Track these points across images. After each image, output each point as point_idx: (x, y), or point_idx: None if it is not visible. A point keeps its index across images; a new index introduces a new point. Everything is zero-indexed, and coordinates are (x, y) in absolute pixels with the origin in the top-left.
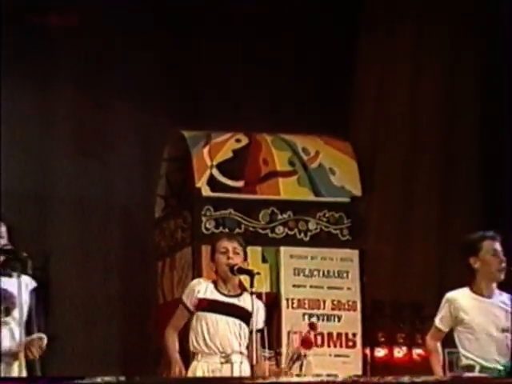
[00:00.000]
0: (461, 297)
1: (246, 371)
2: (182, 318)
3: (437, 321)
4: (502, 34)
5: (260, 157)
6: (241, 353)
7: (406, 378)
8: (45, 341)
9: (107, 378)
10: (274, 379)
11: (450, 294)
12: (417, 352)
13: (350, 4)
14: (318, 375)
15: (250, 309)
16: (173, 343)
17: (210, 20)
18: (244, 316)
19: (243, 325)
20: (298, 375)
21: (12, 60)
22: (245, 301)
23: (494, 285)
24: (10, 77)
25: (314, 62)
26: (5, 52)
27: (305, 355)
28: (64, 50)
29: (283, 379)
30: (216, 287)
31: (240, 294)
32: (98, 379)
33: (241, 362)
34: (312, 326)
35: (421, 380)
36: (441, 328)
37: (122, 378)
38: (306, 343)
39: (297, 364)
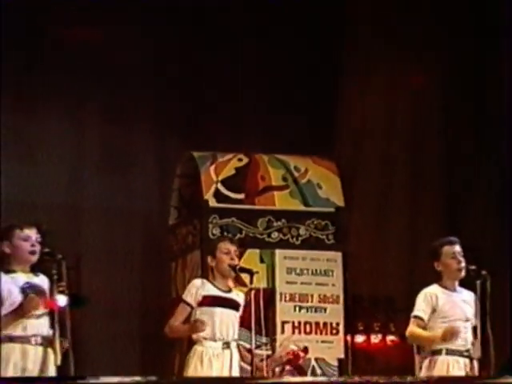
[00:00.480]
0: (435, 291)
1: (237, 357)
2: (183, 314)
3: (418, 312)
4: (468, 57)
5: (258, 173)
6: (235, 340)
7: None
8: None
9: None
10: (275, 379)
11: (427, 289)
12: (390, 338)
13: (334, 39)
14: None
15: (239, 301)
16: (178, 326)
17: (213, 54)
18: (238, 307)
19: (237, 314)
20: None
21: (48, 88)
22: (237, 295)
23: (457, 282)
24: (47, 102)
25: (305, 95)
26: (42, 80)
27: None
28: (92, 79)
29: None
30: (213, 284)
31: (231, 290)
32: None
33: (236, 348)
34: (305, 350)
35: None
36: (422, 317)
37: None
38: (295, 359)
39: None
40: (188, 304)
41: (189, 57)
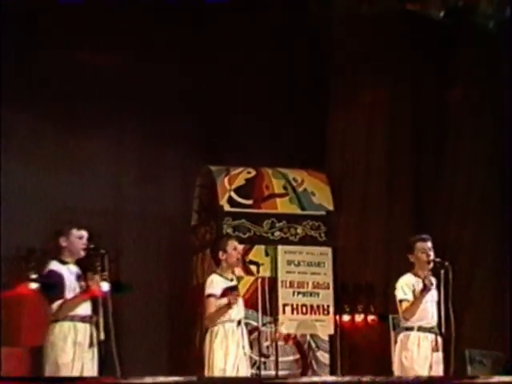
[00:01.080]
0: (411, 280)
1: (246, 332)
2: (214, 304)
3: (406, 296)
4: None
5: (263, 184)
6: (241, 321)
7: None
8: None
9: (177, 378)
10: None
11: (405, 278)
12: (371, 318)
13: (323, 75)
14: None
15: (237, 285)
16: (214, 313)
17: (224, 91)
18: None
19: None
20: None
21: (94, 114)
22: (236, 281)
23: (427, 271)
24: (93, 126)
25: (302, 121)
26: (89, 107)
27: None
28: (130, 106)
29: (298, 379)
30: (222, 277)
31: (233, 279)
32: (169, 379)
33: (246, 325)
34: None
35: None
36: (409, 299)
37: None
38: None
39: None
40: (214, 295)
41: (207, 91)
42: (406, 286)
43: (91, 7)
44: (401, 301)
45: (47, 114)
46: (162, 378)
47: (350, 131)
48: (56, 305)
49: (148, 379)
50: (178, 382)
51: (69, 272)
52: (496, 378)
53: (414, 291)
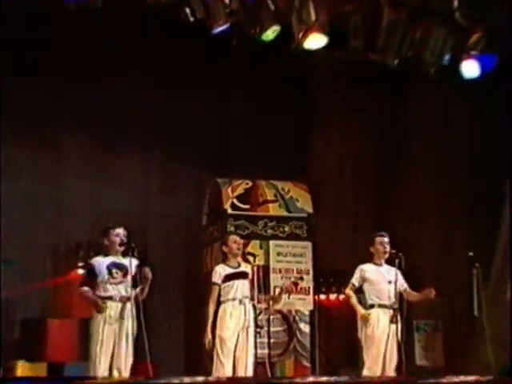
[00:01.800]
0: (367, 266)
1: (249, 310)
2: (215, 292)
3: (352, 280)
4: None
5: (258, 192)
6: (247, 297)
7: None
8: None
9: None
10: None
11: (361, 266)
12: (342, 297)
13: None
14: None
15: (247, 271)
16: (210, 312)
17: (225, 121)
18: (246, 276)
19: (246, 281)
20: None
21: (122, 134)
22: (246, 267)
23: (383, 260)
24: (123, 144)
25: (290, 144)
26: (118, 129)
27: (280, 293)
28: (154, 127)
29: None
30: (227, 265)
31: (239, 265)
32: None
33: (248, 302)
34: (295, 284)
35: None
36: (355, 284)
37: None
38: (288, 289)
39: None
40: (217, 284)
41: (215, 121)
42: (357, 272)
43: (129, 46)
44: (351, 283)
45: (94, 138)
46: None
47: (326, 152)
48: (85, 288)
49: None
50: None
51: (104, 263)
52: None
53: (364, 278)
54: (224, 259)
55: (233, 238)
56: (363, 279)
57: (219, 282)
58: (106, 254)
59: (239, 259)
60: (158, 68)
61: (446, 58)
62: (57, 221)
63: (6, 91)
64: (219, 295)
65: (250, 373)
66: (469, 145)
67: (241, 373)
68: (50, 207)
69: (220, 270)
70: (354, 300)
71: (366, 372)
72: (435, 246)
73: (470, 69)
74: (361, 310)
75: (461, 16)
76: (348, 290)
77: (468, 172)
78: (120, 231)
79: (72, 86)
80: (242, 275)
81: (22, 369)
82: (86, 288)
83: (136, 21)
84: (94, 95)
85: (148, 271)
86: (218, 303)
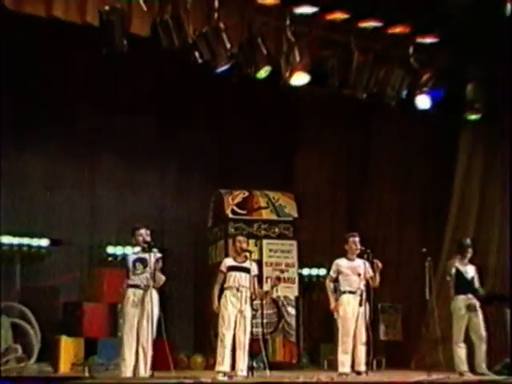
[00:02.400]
0: (341, 261)
1: (247, 295)
2: (221, 277)
3: (331, 273)
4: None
5: (254, 200)
6: (244, 286)
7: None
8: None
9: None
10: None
11: (336, 260)
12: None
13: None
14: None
15: (249, 267)
16: (215, 291)
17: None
18: (247, 270)
19: (247, 274)
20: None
21: (139, 156)
22: (250, 264)
23: (355, 256)
24: (141, 163)
25: (279, 162)
26: (146, 155)
27: (275, 286)
28: (168, 154)
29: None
30: (234, 259)
31: (244, 261)
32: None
33: (245, 291)
34: (278, 279)
35: None
36: (332, 276)
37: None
38: (276, 280)
39: (272, 289)
40: (222, 272)
41: (219, 144)
42: (333, 266)
43: (151, 85)
44: (329, 277)
45: (122, 158)
46: None
47: (309, 168)
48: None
49: None
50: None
51: (132, 257)
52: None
53: (339, 271)
54: (234, 255)
55: (238, 238)
56: (338, 272)
57: (224, 270)
58: (135, 250)
59: (243, 256)
60: (172, 104)
61: (404, 93)
62: (92, 223)
63: (58, 122)
64: (224, 281)
65: (246, 348)
66: (423, 161)
67: (239, 348)
68: (87, 212)
69: (227, 261)
70: (329, 291)
71: (340, 345)
72: (396, 243)
73: (423, 102)
74: (332, 303)
75: (414, 60)
76: (327, 281)
77: (422, 183)
78: (143, 231)
79: (106, 119)
80: (244, 269)
81: (65, 342)
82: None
83: (154, 62)
84: (123, 125)
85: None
86: (222, 289)
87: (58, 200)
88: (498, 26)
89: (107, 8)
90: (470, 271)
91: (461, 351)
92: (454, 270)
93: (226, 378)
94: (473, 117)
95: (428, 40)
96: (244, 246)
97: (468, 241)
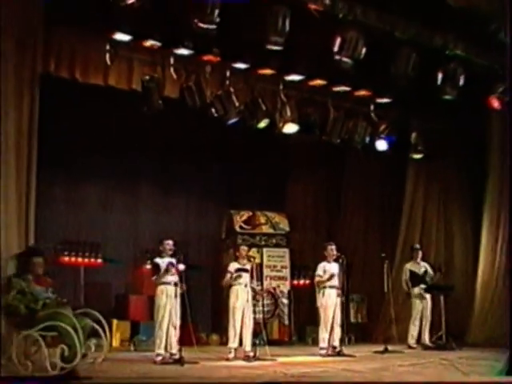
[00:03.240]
0: (323, 264)
1: (249, 291)
2: (228, 276)
3: (319, 272)
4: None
5: (256, 218)
6: (247, 284)
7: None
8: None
9: None
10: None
11: (321, 263)
12: (307, 281)
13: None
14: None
15: (248, 268)
16: (226, 283)
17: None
18: (247, 271)
19: (248, 274)
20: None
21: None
22: (248, 266)
23: (331, 259)
24: (175, 192)
25: (275, 189)
26: (177, 184)
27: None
28: (194, 180)
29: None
30: (238, 263)
31: (245, 264)
32: None
33: (249, 287)
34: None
35: None
36: (321, 274)
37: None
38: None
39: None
40: (230, 272)
41: (229, 175)
42: (320, 268)
43: (178, 134)
44: (317, 275)
45: (158, 186)
46: None
47: (298, 195)
48: (155, 277)
49: None
50: None
51: (164, 262)
52: None
53: (324, 270)
54: (236, 259)
55: (242, 247)
56: (324, 271)
57: (232, 271)
58: (162, 256)
59: (245, 260)
60: (194, 147)
61: (367, 139)
62: (135, 235)
63: (110, 161)
64: (230, 278)
65: (251, 328)
66: (381, 189)
67: (245, 329)
68: (131, 228)
69: (233, 265)
70: (316, 281)
71: (320, 327)
72: (362, 250)
73: (381, 145)
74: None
75: (374, 115)
76: (317, 278)
77: (381, 205)
78: (170, 242)
79: (145, 159)
80: (245, 270)
81: (116, 324)
82: (155, 277)
83: (181, 116)
84: (158, 164)
85: (182, 266)
86: (230, 286)
87: (109, 219)
88: (435, 90)
89: (147, 77)
90: (422, 268)
91: (414, 329)
92: (407, 272)
93: (232, 355)
94: (416, 156)
95: (384, 100)
96: (243, 253)
97: (417, 246)
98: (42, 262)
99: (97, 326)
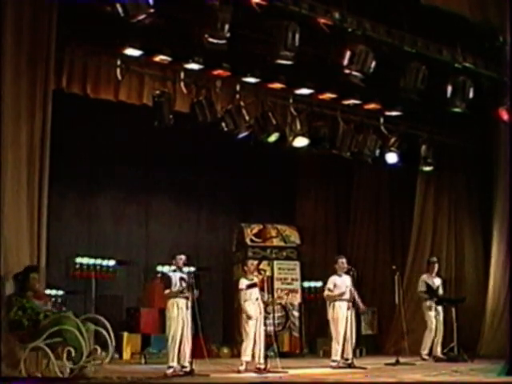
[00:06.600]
0: (334, 277)
1: (260, 303)
2: (242, 294)
3: (329, 286)
4: None
5: (266, 231)
6: (258, 297)
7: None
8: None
9: None
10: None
11: (331, 277)
12: (320, 295)
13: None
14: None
15: (256, 283)
16: (244, 303)
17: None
18: (256, 285)
19: (257, 288)
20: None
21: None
22: (256, 279)
23: (342, 272)
24: (190, 207)
25: (285, 204)
26: (190, 200)
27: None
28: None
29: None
30: (246, 278)
31: (253, 279)
32: None
33: (260, 300)
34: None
35: None
36: (331, 288)
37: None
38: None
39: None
40: (242, 289)
41: (241, 192)
42: (330, 282)
43: (189, 149)
44: (327, 289)
45: (170, 201)
46: None
47: (307, 208)
48: (168, 291)
49: None
50: None
51: (177, 275)
52: None
53: (335, 284)
54: (244, 274)
55: (250, 262)
56: (334, 285)
57: (244, 287)
58: (175, 270)
59: (253, 275)
60: (205, 161)
61: (377, 151)
62: (146, 248)
63: (123, 175)
64: (244, 294)
65: (262, 340)
66: (391, 202)
67: (258, 340)
68: (143, 240)
69: (243, 281)
70: (326, 295)
71: (333, 340)
72: (372, 262)
73: (391, 158)
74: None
75: (384, 128)
76: (326, 292)
77: (391, 218)
78: (183, 257)
79: (157, 174)
80: (255, 285)
81: (127, 337)
82: (167, 291)
83: (192, 131)
84: (168, 178)
85: (197, 293)
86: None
87: (122, 231)
88: (444, 103)
89: (158, 92)
90: (437, 282)
91: (428, 341)
92: (424, 285)
93: (243, 367)
94: (426, 169)
95: (394, 113)
96: (252, 268)
97: (434, 259)
98: (38, 278)
99: (101, 329)
